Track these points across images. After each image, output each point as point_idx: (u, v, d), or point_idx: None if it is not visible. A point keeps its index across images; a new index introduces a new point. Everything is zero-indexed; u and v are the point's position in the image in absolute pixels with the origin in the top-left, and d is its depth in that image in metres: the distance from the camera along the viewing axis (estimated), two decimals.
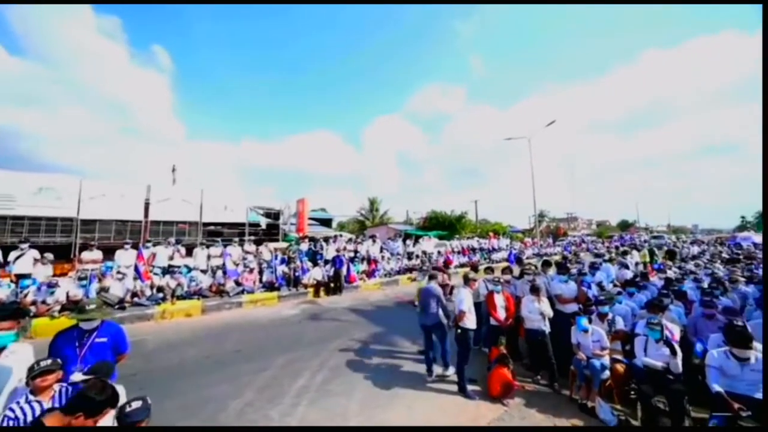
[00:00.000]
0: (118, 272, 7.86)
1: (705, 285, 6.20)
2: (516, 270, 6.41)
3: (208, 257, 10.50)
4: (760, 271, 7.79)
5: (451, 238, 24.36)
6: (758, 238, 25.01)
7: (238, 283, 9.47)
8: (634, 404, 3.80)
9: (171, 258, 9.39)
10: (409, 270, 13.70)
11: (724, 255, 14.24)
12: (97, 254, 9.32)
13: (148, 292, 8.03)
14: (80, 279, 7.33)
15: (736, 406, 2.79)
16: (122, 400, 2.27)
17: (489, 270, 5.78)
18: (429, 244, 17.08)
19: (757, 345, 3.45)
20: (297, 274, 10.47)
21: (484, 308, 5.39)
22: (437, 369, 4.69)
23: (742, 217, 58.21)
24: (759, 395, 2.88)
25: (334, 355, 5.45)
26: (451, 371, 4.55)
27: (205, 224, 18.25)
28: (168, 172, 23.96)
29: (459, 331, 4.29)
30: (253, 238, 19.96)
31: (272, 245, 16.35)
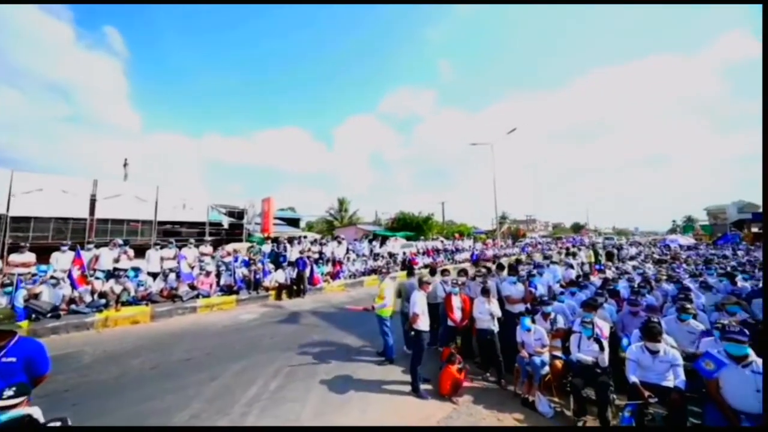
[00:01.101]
0: (52, 277, 7.15)
1: (636, 284, 6.88)
2: (471, 271, 6.72)
3: (161, 259, 9.86)
4: (681, 271, 8.81)
5: (418, 238, 24.87)
6: (683, 240, 28.99)
7: (193, 287, 9.01)
8: (569, 396, 4.15)
9: (116, 260, 8.70)
10: (374, 271, 13.79)
11: (656, 255, 15.88)
12: (29, 256, 8.41)
13: (88, 299, 7.39)
14: (3, 285, 6.58)
15: (647, 394, 3.16)
16: (41, 420, 2.11)
17: (445, 272, 5.99)
18: (395, 245, 17.31)
19: (668, 338, 3.92)
20: (258, 276, 10.16)
21: (441, 309, 5.60)
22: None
23: (673, 221, 66.24)
24: (665, 383, 3.28)
25: (291, 360, 5.37)
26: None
27: (161, 223, 17.19)
28: (120, 167, 22.16)
29: (413, 333, 4.42)
30: (213, 238, 19.12)
31: (233, 246, 15.75)
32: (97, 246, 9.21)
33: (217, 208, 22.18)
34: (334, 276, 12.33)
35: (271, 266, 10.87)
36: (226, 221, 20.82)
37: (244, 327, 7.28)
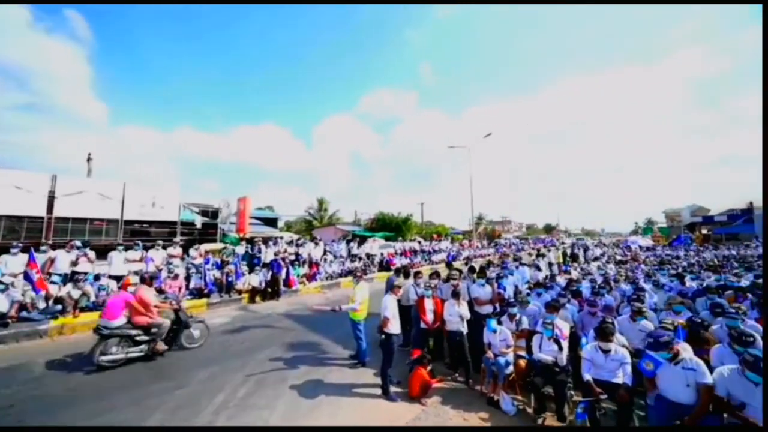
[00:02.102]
0: (0, 282, 6.64)
1: (597, 285, 7.28)
2: (444, 273, 6.87)
3: (126, 262, 9.38)
4: (639, 271, 9.41)
5: (397, 239, 25.05)
6: (643, 241, 31.17)
7: (160, 291, 8.64)
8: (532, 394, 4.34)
9: (74, 263, 8.19)
10: (351, 272, 13.74)
11: (618, 256, 16.86)
12: None
13: (42, 305, 6.93)
14: None
15: (598, 390, 3.38)
16: None
17: (418, 275, 6.10)
18: (373, 245, 17.34)
19: (620, 337, 4.20)
20: (230, 279, 9.89)
21: (414, 311, 5.69)
22: None
23: (636, 223, 70.90)
24: (616, 380, 3.52)
25: (262, 366, 5.29)
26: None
27: (128, 222, 16.33)
28: (83, 162, 20.82)
29: (383, 336, 4.48)
30: (185, 238, 18.38)
31: (205, 247, 15.23)
32: (54, 247, 8.64)
33: (190, 206, 21.35)
34: (311, 278, 12.20)
35: (245, 268, 10.63)
36: (199, 221, 20.06)
37: (214, 331, 7.02)
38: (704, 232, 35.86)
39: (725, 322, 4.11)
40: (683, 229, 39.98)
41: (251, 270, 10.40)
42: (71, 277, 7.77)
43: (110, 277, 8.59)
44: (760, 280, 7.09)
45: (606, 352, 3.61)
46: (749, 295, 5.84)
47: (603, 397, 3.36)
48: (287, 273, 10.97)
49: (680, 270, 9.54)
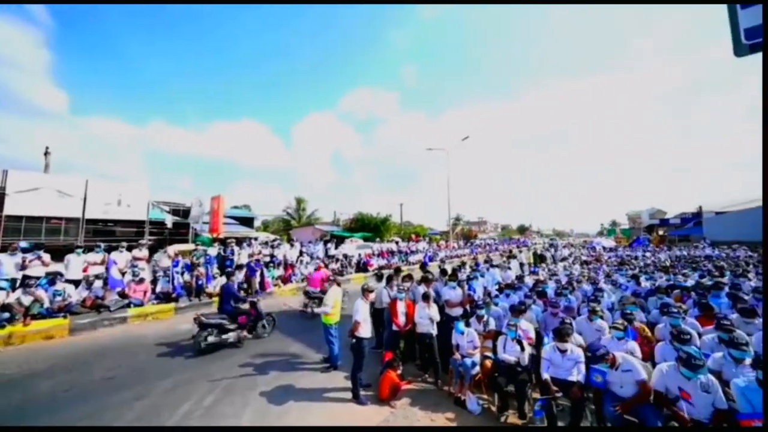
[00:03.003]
0: None
1: (561, 285, 7.65)
2: (417, 276, 6.99)
3: (86, 265, 8.85)
4: (600, 272, 9.98)
5: (376, 239, 25.11)
6: (606, 242, 33.20)
7: (123, 296, 8.24)
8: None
9: (22, 267, 7.61)
10: None
11: (583, 257, 17.80)
12: None
13: None
14: None
15: (554, 389, 3.58)
16: None
17: (391, 278, 6.17)
18: (351, 246, 17.31)
19: (578, 337, 4.46)
20: (200, 282, 9.58)
21: (387, 314, 5.76)
22: None
23: (602, 224, 75.19)
24: (571, 378, 3.74)
25: (230, 372, 5.18)
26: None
27: (90, 221, 15.45)
28: (40, 156, 19.38)
29: (354, 340, 4.51)
30: (155, 238, 17.59)
31: (175, 248, 14.63)
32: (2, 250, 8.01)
33: (160, 205, 20.41)
34: (286, 280, 12.03)
35: (217, 271, 10.32)
36: (169, 220, 19.24)
37: (181, 338, 6.82)
38: (660, 233, 38.49)
39: (669, 321, 4.47)
40: (642, 231, 42.72)
41: (223, 273, 10.08)
42: (22, 282, 7.24)
43: (68, 281, 8.07)
44: (704, 280, 7.73)
45: (563, 351, 3.83)
46: (693, 294, 6.35)
47: (558, 394, 3.57)
48: (262, 275, 10.76)
49: (637, 270, 10.22)
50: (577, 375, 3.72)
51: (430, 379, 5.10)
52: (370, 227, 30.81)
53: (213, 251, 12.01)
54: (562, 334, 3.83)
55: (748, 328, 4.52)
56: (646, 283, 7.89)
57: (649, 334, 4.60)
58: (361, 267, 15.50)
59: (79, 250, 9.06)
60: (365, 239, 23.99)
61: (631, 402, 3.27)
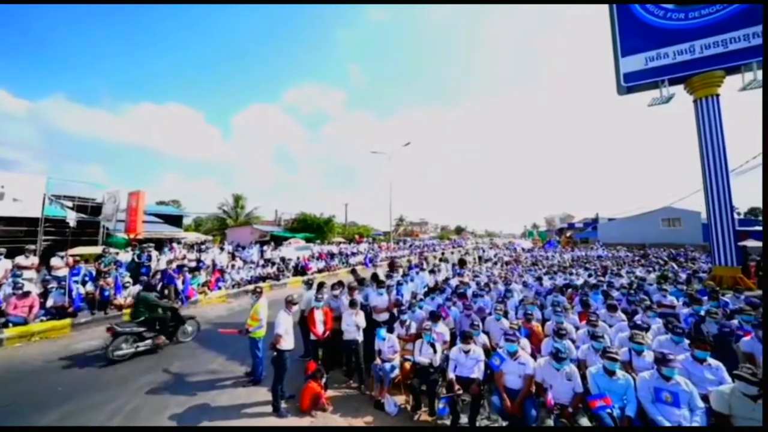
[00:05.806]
0: None
1: (480, 286, 8.47)
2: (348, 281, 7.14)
3: None
4: (515, 274, 11.28)
5: (317, 240, 24.72)
6: (525, 243, 37.61)
7: (1, 313, 6.93)
8: None
9: None
10: (263, 279, 13.13)
11: (506, 258, 19.85)
12: None
13: None
14: None
15: (456, 387, 4.03)
16: None
17: (321, 285, 6.20)
18: (289, 249, 16.81)
19: (483, 336, 5.04)
20: (107, 293, 8.48)
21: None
22: None
23: (525, 226, 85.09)
24: (472, 375, 4.22)
25: (137, 396, 4.74)
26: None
27: None
28: None
29: (275, 353, 4.49)
30: (53, 238, 15.00)
31: (77, 251, 12.73)
32: None
33: (60, 199, 17.34)
34: (213, 285, 11.24)
35: (129, 279, 9.19)
36: (72, 218, 16.43)
37: (79, 359, 6.00)
38: (568, 236, 44.66)
39: (555, 318, 5.31)
40: (553, 234, 49.00)
41: (136, 281, 9.03)
42: None
43: None
44: (590, 279, 9.23)
45: (467, 352, 4.32)
46: (579, 292, 7.57)
47: (460, 392, 4.02)
48: (184, 282, 9.91)
49: (545, 270, 11.76)
50: (477, 373, 4.22)
51: (354, 385, 5.29)
52: (312, 228, 30.15)
53: (125, 256, 10.72)
54: (466, 337, 4.31)
55: (611, 320, 5.61)
56: (547, 283, 9.14)
57: (541, 331, 5.40)
58: (299, 271, 15.16)
59: None
60: (307, 240, 23.44)
61: (521, 397, 3.75)
